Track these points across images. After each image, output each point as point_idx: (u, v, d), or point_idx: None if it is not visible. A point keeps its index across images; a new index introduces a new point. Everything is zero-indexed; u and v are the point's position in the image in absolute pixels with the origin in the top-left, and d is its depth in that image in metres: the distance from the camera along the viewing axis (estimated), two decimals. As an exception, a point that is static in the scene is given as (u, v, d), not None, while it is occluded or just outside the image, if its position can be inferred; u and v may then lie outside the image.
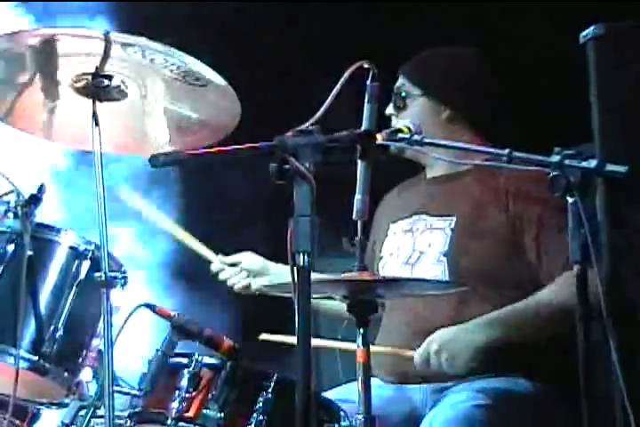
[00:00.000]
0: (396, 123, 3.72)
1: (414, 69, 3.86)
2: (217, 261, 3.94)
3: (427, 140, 3.30)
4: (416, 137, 3.29)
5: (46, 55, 3.09)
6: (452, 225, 3.68)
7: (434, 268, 3.63)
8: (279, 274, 3.80)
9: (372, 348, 3.17)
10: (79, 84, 3.14)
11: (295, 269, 2.45)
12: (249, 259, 3.92)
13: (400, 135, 3.21)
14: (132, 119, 3.29)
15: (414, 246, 3.72)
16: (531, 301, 3.49)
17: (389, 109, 3.81)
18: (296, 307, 2.43)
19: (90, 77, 3.11)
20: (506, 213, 3.61)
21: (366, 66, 2.87)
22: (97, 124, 3.04)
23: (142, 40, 3.02)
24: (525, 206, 3.58)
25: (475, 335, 3.45)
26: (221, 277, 3.93)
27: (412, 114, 3.77)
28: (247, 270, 3.90)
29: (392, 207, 3.91)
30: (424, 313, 3.54)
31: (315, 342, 2.50)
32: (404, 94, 3.81)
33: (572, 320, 2.88)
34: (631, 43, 3.02)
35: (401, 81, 3.84)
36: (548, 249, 3.51)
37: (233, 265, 3.92)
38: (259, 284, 3.86)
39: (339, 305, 3.16)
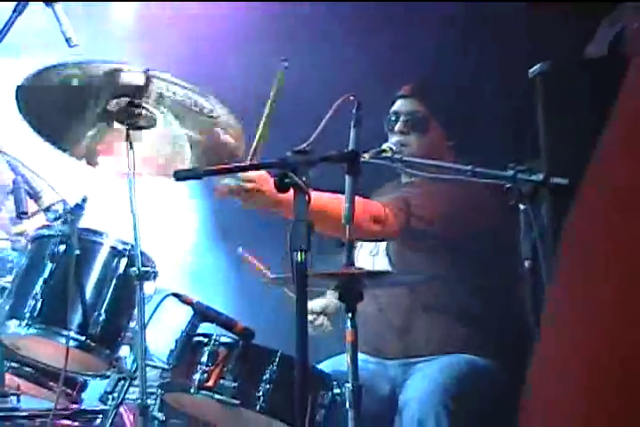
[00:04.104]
0: (408, 140, 3.59)
1: (432, 97, 3.69)
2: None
3: (405, 159, 3.29)
4: (397, 156, 3.27)
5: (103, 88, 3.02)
6: None
7: (384, 260, 3.59)
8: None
9: None
10: (118, 116, 3.08)
11: (294, 263, 2.38)
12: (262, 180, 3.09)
13: (384, 154, 3.21)
14: (160, 144, 3.22)
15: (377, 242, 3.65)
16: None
17: (401, 127, 3.62)
18: (296, 294, 2.39)
19: (126, 109, 3.04)
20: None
21: (352, 98, 2.87)
22: (131, 147, 2.97)
23: (169, 77, 2.95)
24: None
25: None
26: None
27: (431, 138, 3.64)
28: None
29: None
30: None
31: None
32: (423, 118, 3.64)
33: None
34: (573, 77, 3.00)
35: (413, 104, 3.67)
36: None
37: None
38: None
39: None
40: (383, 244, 3.59)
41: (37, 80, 2.95)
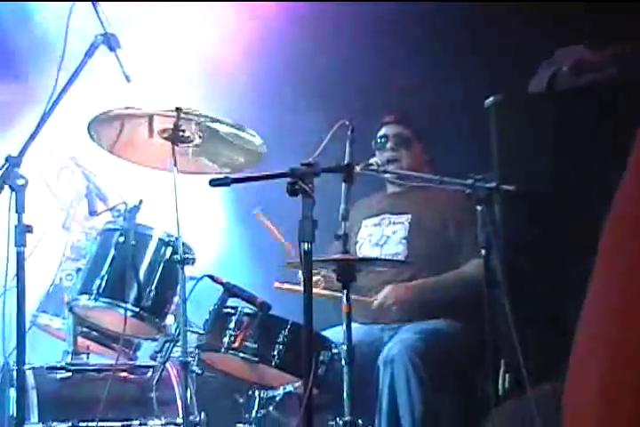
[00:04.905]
0: (398, 155, 3.78)
1: (412, 123, 3.86)
2: None
3: (388, 170, 3.51)
4: (382, 168, 3.48)
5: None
6: (410, 220, 3.78)
7: (398, 247, 3.74)
8: None
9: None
10: (164, 134, 3.21)
11: (302, 251, 2.53)
12: None
13: (372, 167, 3.38)
14: (198, 154, 3.33)
15: (382, 233, 3.81)
16: (457, 273, 3.64)
17: (392, 145, 3.79)
18: (302, 275, 2.55)
19: (171, 131, 3.17)
20: (440, 217, 3.76)
21: (347, 123, 3.06)
22: (175, 159, 3.10)
23: (196, 113, 3.11)
24: (450, 214, 3.72)
25: (420, 295, 3.60)
26: None
27: (415, 153, 3.82)
28: None
29: (364, 209, 3.93)
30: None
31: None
32: (407, 138, 3.82)
33: (477, 285, 3.03)
34: (521, 107, 3.07)
35: (399, 128, 3.83)
36: (462, 242, 3.67)
37: None
38: None
39: None
40: (394, 235, 3.77)
41: (99, 118, 3.12)
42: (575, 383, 0.81)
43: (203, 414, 3.12)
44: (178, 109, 3.11)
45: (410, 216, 3.81)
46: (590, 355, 0.80)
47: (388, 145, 3.85)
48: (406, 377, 3.35)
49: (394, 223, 3.84)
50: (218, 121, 3.13)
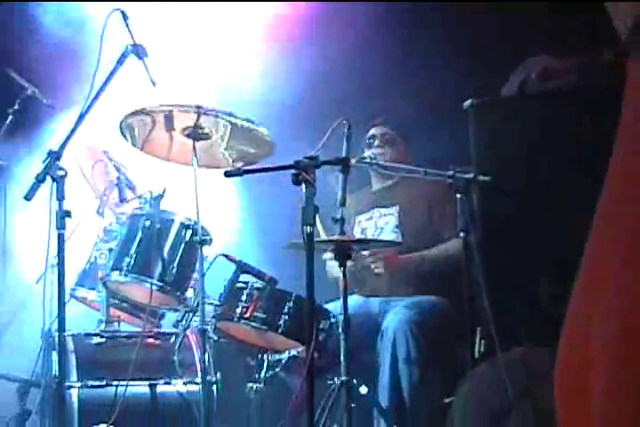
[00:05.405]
0: (383, 151, 3.88)
1: (398, 125, 3.98)
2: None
3: (379, 163, 3.63)
4: (374, 161, 3.60)
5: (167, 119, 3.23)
6: (398, 210, 3.89)
7: (391, 235, 3.84)
8: None
9: None
10: (185, 132, 3.25)
11: (305, 233, 2.61)
12: None
13: (365, 160, 3.51)
14: (215, 150, 3.36)
15: (376, 226, 3.92)
16: (440, 248, 3.75)
17: (379, 143, 3.92)
18: (305, 255, 2.59)
19: (191, 128, 3.21)
20: (426, 205, 3.88)
21: (344, 122, 3.18)
22: (195, 153, 3.16)
23: (214, 109, 3.16)
24: (434, 203, 3.84)
25: (408, 266, 3.70)
26: None
27: (399, 150, 3.95)
28: None
29: (354, 206, 3.95)
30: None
31: None
32: (392, 137, 3.95)
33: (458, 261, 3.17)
34: (495, 109, 3.14)
35: (385, 129, 3.95)
36: (445, 226, 3.79)
37: None
38: None
39: None
40: (387, 226, 3.86)
41: (131, 116, 3.18)
42: (569, 382, 0.76)
43: (218, 375, 3.19)
44: (198, 107, 3.17)
45: (398, 207, 3.93)
46: (591, 355, 0.75)
47: (376, 143, 4.01)
48: (406, 343, 3.44)
49: (385, 215, 3.94)
50: (234, 116, 3.20)
